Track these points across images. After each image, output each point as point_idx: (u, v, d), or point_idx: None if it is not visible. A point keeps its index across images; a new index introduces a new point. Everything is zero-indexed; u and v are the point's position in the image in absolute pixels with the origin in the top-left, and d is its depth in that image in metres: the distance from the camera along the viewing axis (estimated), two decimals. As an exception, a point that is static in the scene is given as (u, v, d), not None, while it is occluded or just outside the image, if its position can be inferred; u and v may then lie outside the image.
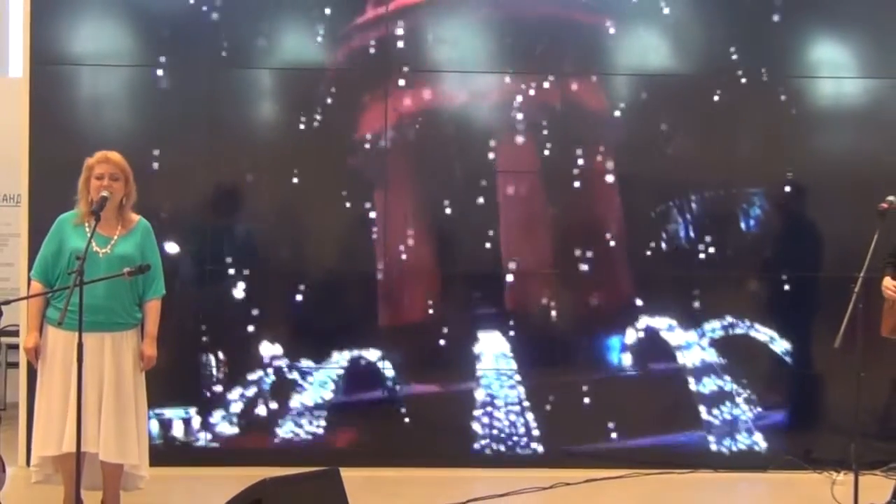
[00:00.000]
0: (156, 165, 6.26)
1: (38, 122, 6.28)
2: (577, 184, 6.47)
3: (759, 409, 6.54)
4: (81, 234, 4.85)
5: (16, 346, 6.15)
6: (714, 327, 6.52)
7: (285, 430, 6.37)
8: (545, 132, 6.46)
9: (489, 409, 6.45)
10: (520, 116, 6.47)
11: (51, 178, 6.00)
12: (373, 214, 6.42)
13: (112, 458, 4.85)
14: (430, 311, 6.46)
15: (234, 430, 6.36)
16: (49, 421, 4.82)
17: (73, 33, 6.35)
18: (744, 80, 6.49)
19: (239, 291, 6.36)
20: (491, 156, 6.46)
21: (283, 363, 6.38)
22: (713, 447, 6.48)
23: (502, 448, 6.45)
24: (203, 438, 6.35)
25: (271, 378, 6.38)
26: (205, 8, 6.37)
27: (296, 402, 6.41)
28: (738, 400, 6.52)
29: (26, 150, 6.28)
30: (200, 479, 6.00)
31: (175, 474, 5.92)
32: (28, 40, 6.32)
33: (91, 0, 6.38)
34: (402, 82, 6.43)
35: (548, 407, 6.45)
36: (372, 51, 6.42)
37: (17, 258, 6.67)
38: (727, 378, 6.51)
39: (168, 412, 6.29)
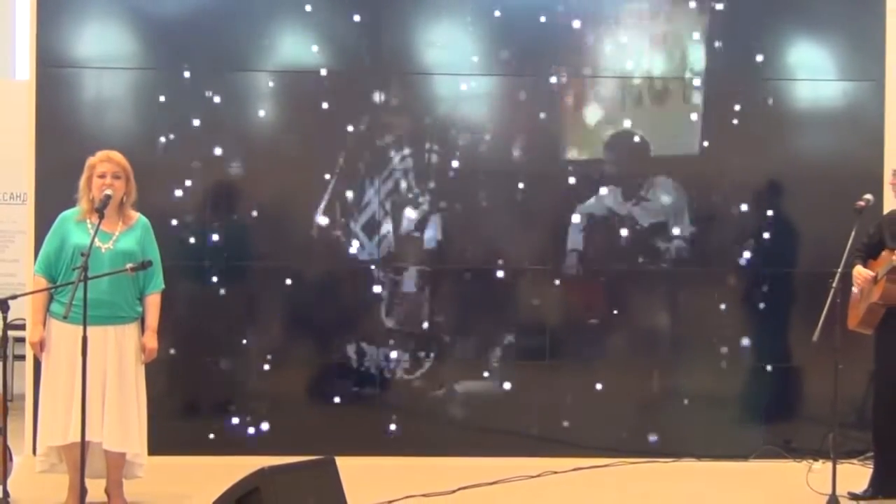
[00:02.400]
0: (157, 166, 6.34)
1: (44, 124, 6.36)
2: (571, 180, 6.63)
3: (742, 401, 6.67)
4: (83, 231, 4.97)
5: (22, 340, 6.26)
6: (700, 323, 6.65)
7: (283, 421, 6.48)
8: (540, 133, 6.62)
9: (481, 399, 6.59)
10: (515, 116, 6.63)
11: (55, 178, 6.09)
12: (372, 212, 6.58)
13: (115, 447, 4.98)
14: (428, 307, 6.60)
15: (233, 420, 6.49)
16: (54, 412, 4.94)
17: (77, 37, 6.44)
18: (724, 82, 6.63)
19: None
20: (487, 156, 6.60)
21: (281, 356, 6.56)
22: (696, 437, 6.59)
23: (492, 437, 6.56)
24: (202, 429, 6.46)
25: (268, 369, 6.54)
26: (207, 11, 6.47)
27: (294, 392, 6.56)
28: (722, 392, 6.66)
29: (32, 150, 6.37)
30: (198, 467, 6.06)
31: (174, 463, 5.98)
32: (34, 43, 6.39)
33: (95, 4, 6.46)
34: (398, 83, 6.56)
35: (538, 396, 6.60)
36: (369, 52, 6.54)
37: (23, 255, 6.82)
38: (714, 371, 6.65)
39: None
